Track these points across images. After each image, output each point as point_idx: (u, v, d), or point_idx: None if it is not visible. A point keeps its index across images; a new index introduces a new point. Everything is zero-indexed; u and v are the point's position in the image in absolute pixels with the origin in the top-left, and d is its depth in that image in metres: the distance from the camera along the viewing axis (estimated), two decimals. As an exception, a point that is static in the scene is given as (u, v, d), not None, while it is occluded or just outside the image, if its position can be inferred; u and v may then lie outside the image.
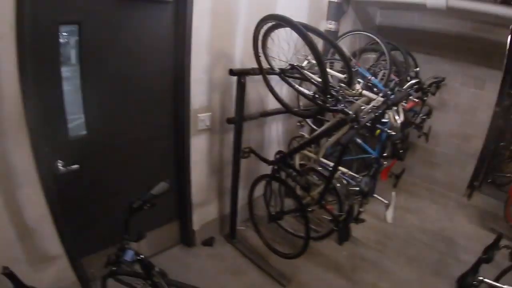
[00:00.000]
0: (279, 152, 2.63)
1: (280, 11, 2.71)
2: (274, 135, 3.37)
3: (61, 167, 2.00)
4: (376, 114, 1.97)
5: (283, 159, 2.57)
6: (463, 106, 4.36)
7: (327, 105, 2.09)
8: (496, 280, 2.30)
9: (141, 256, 1.73)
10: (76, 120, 2.12)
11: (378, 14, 4.55)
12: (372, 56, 3.55)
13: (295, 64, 2.28)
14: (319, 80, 2.19)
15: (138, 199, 1.69)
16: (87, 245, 2.32)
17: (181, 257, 2.87)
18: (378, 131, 2.04)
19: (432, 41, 4.33)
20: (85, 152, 2.14)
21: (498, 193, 4.63)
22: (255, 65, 2.42)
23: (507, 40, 3.81)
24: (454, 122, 4.43)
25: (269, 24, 2.20)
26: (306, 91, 2.24)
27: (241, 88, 2.47)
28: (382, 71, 3.15)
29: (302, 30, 1.92)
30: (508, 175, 4.71)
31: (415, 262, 3.17)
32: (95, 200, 2.28)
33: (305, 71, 2.26)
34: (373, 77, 2.91)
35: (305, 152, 2.73)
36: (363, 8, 4.19)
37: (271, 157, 2.74)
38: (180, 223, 2.91)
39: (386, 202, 2.98)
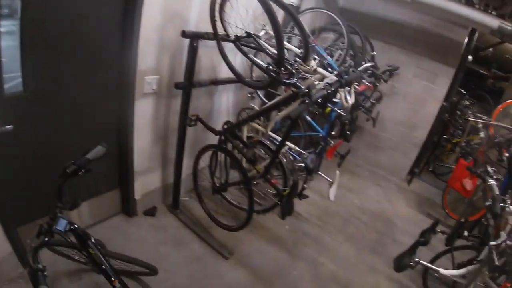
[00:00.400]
0: (227, 122, 2.56)
1: None
2: (224, 105, 3.29)
3: None
4: (328, 91, 1.96)
5: (231, 130, 2.51)
6: (413, 96, 4.55)
7: (280, 77, 2.05)
8: (431, 262, 2.48)
9: (75, 225, 1.62)
10: (13, 77, 1.89)
11: (341, -5, 4.55)
12: (330, 36, 3.55)
13: (251, 32, 2.19)
14: (275, 52, 2.14)
15: (72, 164, 1.57)
16: (23, 213, 2.14)
17: (121, 227, 2.76)
18: (328, 109, 2.04)
19: (392, 30, 4.43)
20: (21, 111, 1.92)
21: (437, 181, 4.99)
22: (210, 30, 2.30)
23: (464, 40, 4.01)
24: (402, 110, 4.63)
25: None
26: (260, 62, 2.18)
27: (193, 52, 2.35)
28: (339, 52, 3.16)
29: None
30: (448, 165, 5.07)
31: (354, 240, 3.34)
32: (31, 165, 2.09)
33: (261, 41, 2.19)
34: (329, 57, 2.92)
35: (254, 124, 2.69)
36: (328, -13, 4.16)
37: (219, 127, 2.66)
38: (121, 192, 2.77)
39: (330, 180, 3.06)
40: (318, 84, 2.18)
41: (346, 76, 2.14)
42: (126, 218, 2.86)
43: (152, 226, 2.85)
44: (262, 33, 2.34)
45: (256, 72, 3.02)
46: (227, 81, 2.81)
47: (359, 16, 4.42)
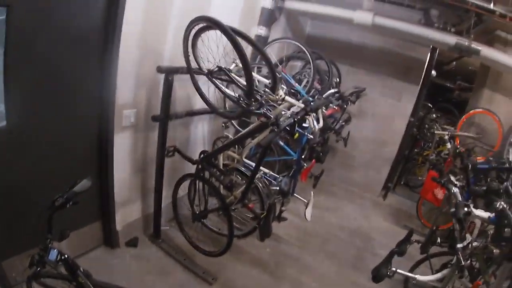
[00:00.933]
0: (203, 151, 2.68)
1: (213, 13, 2.79)
2: (200, 135, 3.41)
3: None
4: (295, 119, 2.11)
5: (207, 159, 2.63)
6: (381, 114, 4.81)
7: (251, 108, 2.19)
8: (410, 271, 2.59)
9: (65, 255, 1.69)
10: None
11: (308, 24, 4.84)
12: (298, 64, 3.77)
13: (222, 66, 2.35)
14: (245, 83, 2.29)
15: (60, 197, 1.66)
16: (7, 247, 2.15)
17: (104, 259, 2.77)
18: (297, 134, 2.18)
19: (357, 53, 4.72)
20: (3, 144, 1.99)
21: (411, 194, 5.21)
22: (184, 64, 2.44)
23: (426, 58, 4.30)
24: (372, 129, 4.87)
25: (200, 25, 2.25)
26: (231, 93, 2.33)
27: (168, 86, 2.48)
28: (307, 78, 3.36)
29: (231, 34, 2.00)
30: (420, 178, 5.30)
31: (334, 257, 3.43)
32: (13, 200, 2.12)
33: (232, 74, 2.34)
34: (297, 84, 3.11)
35: (229, 152, 2.81)
36: (294, 17, 4.42)
37: (196, 156, 2.77)
38: (102, 224, 2.80)
39: (305, 201, 3.18)
40: (285, 112, 2.34)
41: (312, 104, 2.31)
42: (109, 250, 2.86)
43: (135, 257, 2.87)
44: (232, 66, 2.50)
45: (229, 103, 3.16)
46: (202, 112, 2.95)
47: (325, 42, 4.70)
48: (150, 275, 2.71)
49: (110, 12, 2.25)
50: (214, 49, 2.41)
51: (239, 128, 3.18)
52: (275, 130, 2.03)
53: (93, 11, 2.21)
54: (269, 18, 3.67)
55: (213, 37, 2.31)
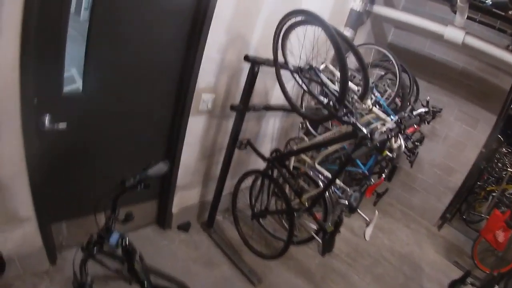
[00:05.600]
0: (276, 150, 2.50)
1: (304, 7, 2.60)
2: (270, 130, 3.24)
3: (47, 123, 1.79)
4: (389, 136, 1.88)
5: (280, 159, 2.45)
6: (453, 140, 4.39)
7: (340, 115, 1.98)
8: None
9: (127, 241, 1.58)
10: (74, 77, 1.93)
11: (391, 32, 4.50)
12: (376, 72, 3.48)
13: (314, 65, 2.16)
14: (335, 88, 2.09)
15: (132, 177, 1.51)
16: (60, 211, 2.12)
17: (154, 239, 2.71)
18: (385, 152, 1.96)
19: (436, 70, 4.32)
20: (77, 112, 1.93)
21: (467, 229, 4.75)
22: (269, 55, 2.27)
23: (509, 87, 3.86)
24: (440, 153, 4.46)
25: (297, 19, 2.07)
26: (320, 97, 2.13)
27: (253, 76, 2.32)
28: (389, 91, 3.08)
29: (333, 34, 1.78)
30: (481, 214, 4.82)
31: (381, 281, 3.17)
32: (78, 165, 2.08)
33: (322, 75, 2.15)
34: (378, 94, 2.84)
35: (302, 155, 2.62)
36: (379, 23, 4.11)
37: (264, 151, 2.60)
38: (159, 203, 2.74)
39: (367, 219, 2.93)
40: (374, 125, 2.11)
41: (405, 121, 2.07)
42: (159, 230, 2.80)
43: (184, 242, 2.78)
44: (322, 66, 2.30)
45: (306, 102, 2.96)
46: (280, 108, 2.77)
47: (406, 53, 4.34)
48: (196, 264, 2.61)
49: None
50: (301, 46, 2.23)
51: (312, 130, 2.95)
52: (368, 145, 1.81)
53: None
54: (356, 20, 3.41)
55: (307, 32, 2.13)
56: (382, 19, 4.03)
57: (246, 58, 2.25)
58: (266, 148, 3.24)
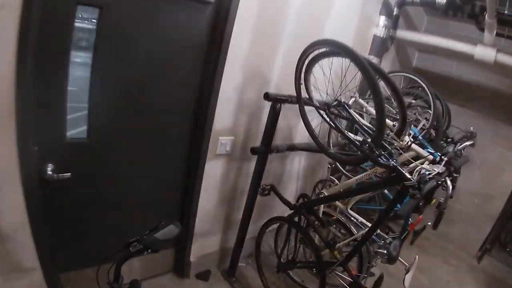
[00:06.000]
0: (303, 195, 2.19)
1: (326, 36, 2.35)
2: (295, 169, 2.91)
3: (50, 172, 1.59)
4: (438, 182, 1.54)
5: (308, 206, 2.12)
6: (489, 165, 3.94)
7: (378, 158, 1.66)
8: None
9: None
10: (77, 121, 1.71)
11: (415, 56, 4.17)
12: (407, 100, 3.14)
13: (343, 100, 1.86)
14: (367, 124, 1.79)
15: (138, 241, 1.27)
16: (68, 262, 1.88)
17: (170, 288, 2.41)
18: (434, 201, 1.63)
19: (466, 92, 3.94)
20: (82, 159, 1.73)
21: (509, 259, 4.21)
22: (291, 91, 2.01)
23: None
24: (477, 180, 4.00)
25: (320, 50, 1.80)
26: (352, 136, 1.82)
27: (274, 116, 2.05)
28: (423, 121, 2.72)
29: (366, 66, 1.50)
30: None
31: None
32: (84, 215, 1.85)
33: (353, 112, 1.85)
34: (413, 126, 2.50)
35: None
36: (403, 48, 3.81)
37: (288, 193, 2.29)
38: (176, 251, 2.45)
39: (406, 264, 2.53)
40: (416, 166, 1.77)
41: (455, 161, 1.73)
42: (177, 279, 2.49)
43: (203, 292, 2.47)
44: (351, 101, 2.01)
45: (333, 139, 2.64)
46: (306, 149, 2.44)
47: (432, 77, 3.96)
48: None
49: (217, 28, 1.90)
50: (327, 80, 1.95)
51: (344, 170, 2.60)
52: (417, 196, 1.47)
53: (198, 24, 1.87)
54: (380, 47, 3.12)
55: (333, 63, 1.86)
56: (406, 44, 3.74)
57: (266, 96, 1.99)
58: (291, 190, 2.93)
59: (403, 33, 3.38)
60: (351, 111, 1.83)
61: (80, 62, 1.62)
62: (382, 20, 3.10)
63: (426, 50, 3.96)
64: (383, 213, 1.80)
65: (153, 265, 2.38)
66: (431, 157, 1.98)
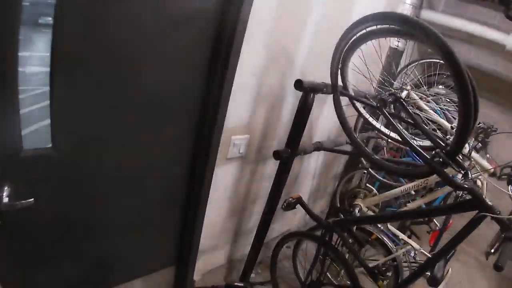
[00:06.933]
0: (335, 210, 1.65)
1: (356, 11, 1.78)
2: (312, 167, 2.34)
3: (6, 200, 0.98)
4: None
5: (342, 225, 1.56)
6: (507, 160, 3.49)
7: (453, 178, 1.15)
8: None
9: None
10: (37, 125, 1.11)
11: (433, 40, 3.60)
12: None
13: (399, 95, 1.29)
14: (427, 130, 1.25)
15: None
16: None
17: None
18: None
19: (485, 82, 3.40)
20: (48, 177, 1.12)
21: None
22: (319, 76, 1.47)
23: None
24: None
25: (372, 28, 1.22)
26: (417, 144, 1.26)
27: (306, 109, 1.45)
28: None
29: (455, 58, 0.99)
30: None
31: None
32: (58, 247, 1.27)
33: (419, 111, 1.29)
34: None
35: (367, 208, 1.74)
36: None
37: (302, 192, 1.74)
38: (176, 270, 1.89)
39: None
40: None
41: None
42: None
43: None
44: (403, 94, 1.44)
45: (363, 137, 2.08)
46: (339, 151, 1.86)
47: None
48: None
49: None
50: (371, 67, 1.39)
51: (379, 177, 2.02)
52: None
53: None
54: (408, 28, 2.53)
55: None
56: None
57: (299, 85, 1.38)
58: (305, 190, 2.38)
59: (429, 14, 2.81)
60: (418, 111, 1.27)
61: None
62: (410, -4, 2.51)
63: (447, 35, 3.39)
64: (453, 243, 1.30)
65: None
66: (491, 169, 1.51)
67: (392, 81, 1.63)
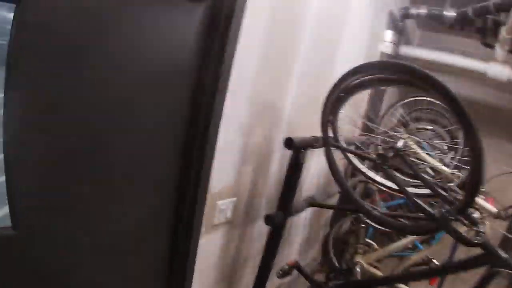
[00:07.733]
0: (336, 270, 1.46)
1: (340, 61, 1.72)
2: (301, 219, 2.10)
3: None
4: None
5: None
6: (490, 183, 3.44)
7: (466, 236, 1.02)
8: None
9: None
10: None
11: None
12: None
13: (401, 147, 1.17)
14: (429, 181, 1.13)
15: None
16: None
17: None
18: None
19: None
20: (7, 265, 0.86)
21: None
22: (306, 126, 1.38)
23: None
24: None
25: (366, 78, 1.12)
26: (422, 202, 1.12)
27: (298, 167, 1.29)
28: (451, 153, 2.10)
29: (464, 111, 0.93)
30: None
31: None
32: None
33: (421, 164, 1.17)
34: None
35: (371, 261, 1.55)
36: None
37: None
38: None
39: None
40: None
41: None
42: None
43: None
44: (400, 143, 1.33)
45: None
46: (336, 207, 1.70)
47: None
48: None
49: (213, 37, 1.12)
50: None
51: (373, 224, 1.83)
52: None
53: (179, 41, 1.08)
54: (388, 65, 2.51)
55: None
56: (413, 61, 3.19)
57: (289, 144, 1.23)
58: (297, 240, 2.16)
59: (407, 50, 2.81)
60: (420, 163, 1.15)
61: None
62: (389, 35, 2.51)
63: (427, 67, 3.43)
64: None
65: None
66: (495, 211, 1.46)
67: (378, 126, 1.52)
